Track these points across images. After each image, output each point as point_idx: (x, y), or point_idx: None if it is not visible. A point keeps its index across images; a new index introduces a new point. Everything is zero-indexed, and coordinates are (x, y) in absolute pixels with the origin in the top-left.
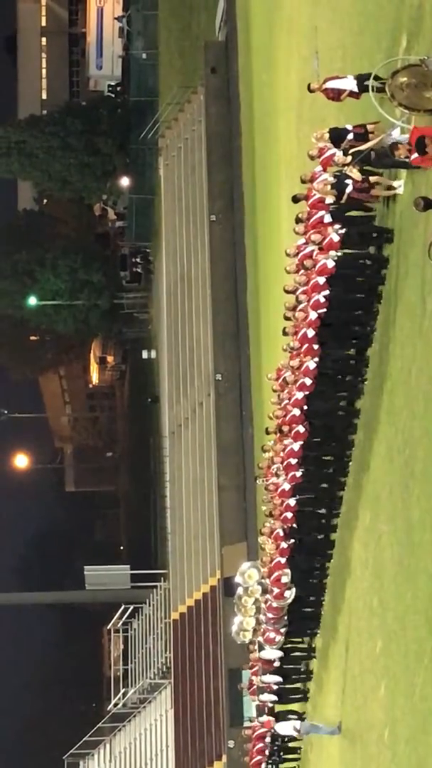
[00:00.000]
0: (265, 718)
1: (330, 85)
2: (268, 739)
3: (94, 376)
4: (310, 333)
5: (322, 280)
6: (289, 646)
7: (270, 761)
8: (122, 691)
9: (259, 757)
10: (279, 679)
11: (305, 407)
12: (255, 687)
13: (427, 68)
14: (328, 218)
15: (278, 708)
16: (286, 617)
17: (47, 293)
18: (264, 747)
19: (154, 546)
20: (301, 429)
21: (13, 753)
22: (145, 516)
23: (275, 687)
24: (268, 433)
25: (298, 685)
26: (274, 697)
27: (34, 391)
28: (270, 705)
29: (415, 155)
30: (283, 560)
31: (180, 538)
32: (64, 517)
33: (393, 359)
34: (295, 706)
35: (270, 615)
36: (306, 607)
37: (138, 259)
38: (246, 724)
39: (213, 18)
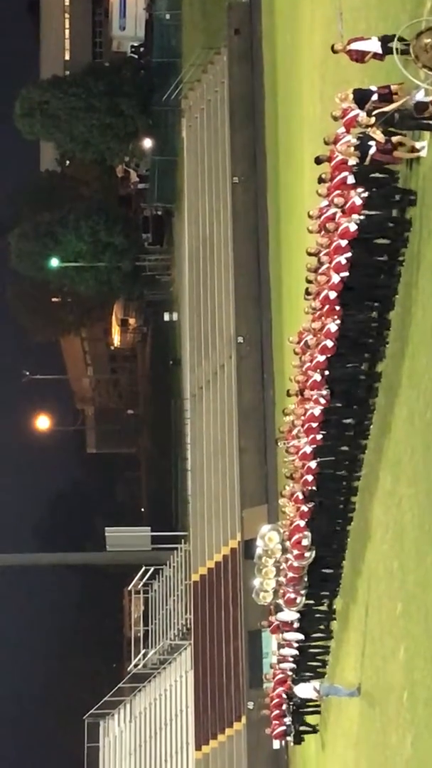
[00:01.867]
0: (286, 665)
1: (354, 46)
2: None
3: (116, 338)
4: (332, 295)
5: (344, 242)
6: (308, 608)
7: (290, 723)
8: (142, 652)
9: (278, 729)
10: (300, 636)
11: (326, 372)
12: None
13: None
14: (351, 179)
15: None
16: (306, 578)
17: (69, 255)
18: (282, 706)
19: (175, 508)
20: (322, 393)
21: (34, 713)
22: (166, 478)
23: (296, 644)
24: (289, 395)
25: (320, 642)
26: (295, 652)
27: (56, 353)
28: (289, 671)
29: None
30: (302, 523)
31: (201, 501)
32: (85, 478)
33: (415, 322)
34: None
35: (290, 574)
36: (326, 569)
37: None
38: (266, 673)
39: None
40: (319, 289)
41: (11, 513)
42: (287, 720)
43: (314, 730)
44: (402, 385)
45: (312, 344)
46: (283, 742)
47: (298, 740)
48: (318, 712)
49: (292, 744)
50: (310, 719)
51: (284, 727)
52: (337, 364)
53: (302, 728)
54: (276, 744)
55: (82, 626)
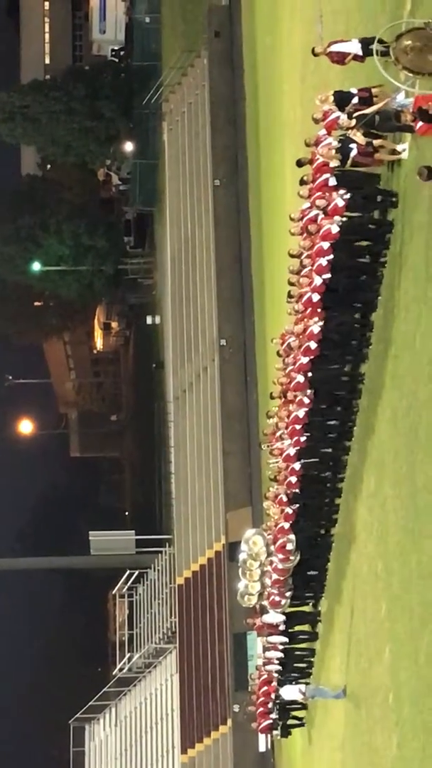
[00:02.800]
0: (272, 667)
1: (334, 48)
2: (270, 704)
3: (99, 342)
4: (315, 297)
5: (326, 244)
6: (293, 610)
7: (276, 718)
8: (127, 655)
9: (264, 723)
10: (285, 639)
11: (309, 373)
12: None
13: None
14: (332, 181)
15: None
16: (291, 581)
17: (51, 259)
18: (267, 711)
19: (159, 511)
20: (305, 395)
21: (19, 717)
22: (149, 481)
23: (281, 647)
24: (272, 398)
25: (304, 645)
26: (280, 655)
27: (39, 357)
28: (274, 674)
29: (421, 124)
30: (287, 525)
31: (185, 504)
32: (68, 482)
33: (397, 324)
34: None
35: (275, 577)
36: (311, 571)
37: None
38: (251, 674)
39: None
40: (301, 292)
41: None
42: (273, 716)
43: (302, 723)
44: (385, 386)
45: (295, 346)
46: (269, 742)
47: (286, 733)
48: (303, 722)
49: (279, 737)
50: (297, 713)
51: (270, 722)
52: (320, 365)
53: (289, 722)
54: (262, 746)
55: (67, 630)
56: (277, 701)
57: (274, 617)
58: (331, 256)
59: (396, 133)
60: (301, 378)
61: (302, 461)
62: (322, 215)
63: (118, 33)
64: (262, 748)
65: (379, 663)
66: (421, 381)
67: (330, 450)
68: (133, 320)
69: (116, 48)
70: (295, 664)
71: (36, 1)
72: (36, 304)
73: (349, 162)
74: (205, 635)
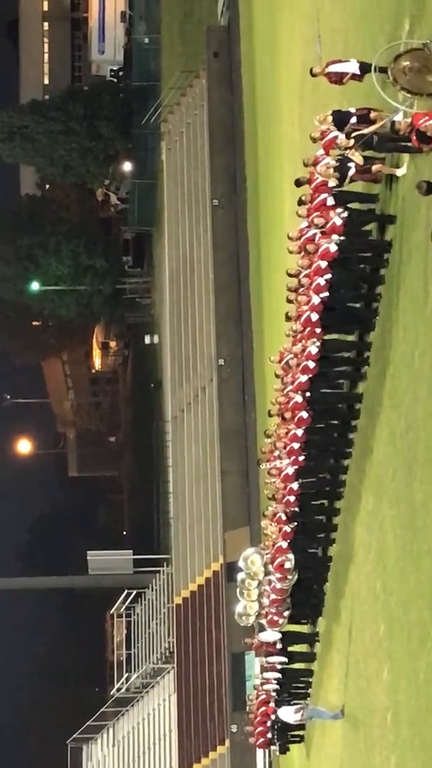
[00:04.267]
0: (269, 686)
1: (333, 68)
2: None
3: (97, 362)
4: (313, 317)
5: (324, 264)
6: (291, 629)
7: (275, 741)
8: (125, 675)
9: (262, 739)
10: (284, 659)
11: (308, 392)
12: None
13: (430, 52)
14: (330, 201)
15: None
16: (289, 600)
17: (50, 278)
18: (265, 730)
19: (157, 531)
20: (304, 414)
21: (17, 737)
22: (148, 501)
23: (279, 666)
24: (270, 416)
25: (302, 665)
26: (278, 675)
27: (37, 376)
28: (272, 693)
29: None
30: (285, 544)
31: (183, 523)
32: (66, 502)
33: (395, 343)
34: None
35: (274, 596)
36: (309, 590)
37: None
38: (249, 694)
39: (215, 2)
40: (299, 311)
41: None
42: (271, 736)
43: (301, 739)
44: (383, 405)
45: (293, 365)
46: (267, 763)
47: (284, 750)
48: (302, 738)
49: (277, 753)
50: (296, 732)
51: (268, 737)
52: (318, 384)
53: (288, 738)
54: (260, 766)
55: (65, 650)
56: (276, 723)
57: (272, 636)
58: (329, 276)
59: (394, 154)
60: (299, 397)
61: (300, 480)
62: (320, 234)
63: (117, 53)
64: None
65: (378, 683)
66: (419, 400)
67: (328, 469)
68: (132, 340)
69: (115, 68)
70: (293, 685)
71: (35, 22)
72: (34, 323)
73: (347, 181)
74: (203, 655)
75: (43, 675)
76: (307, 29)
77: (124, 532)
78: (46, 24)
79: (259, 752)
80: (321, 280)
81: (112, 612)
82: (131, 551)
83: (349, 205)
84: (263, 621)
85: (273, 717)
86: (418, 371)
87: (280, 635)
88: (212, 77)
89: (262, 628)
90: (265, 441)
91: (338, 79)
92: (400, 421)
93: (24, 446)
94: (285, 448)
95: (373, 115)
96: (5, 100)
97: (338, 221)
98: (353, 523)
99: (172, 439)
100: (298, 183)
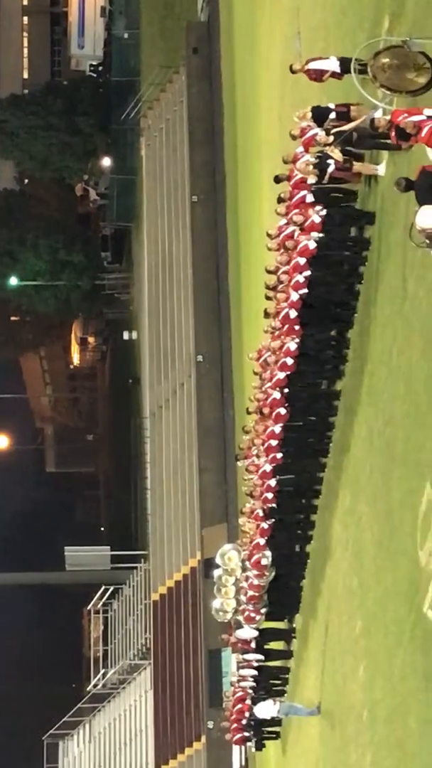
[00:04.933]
0: (246, 683)
1: (312, 65)
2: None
3: (75, 357)
4: (292, 314)
5: (303, 260)
6: (268, 626)
7: (250, 734)
8: (102, 671)
9: (238, 735)
10: (260, 656)
11: (286, 389)
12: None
13: (409, 49)
14: (310, 198)
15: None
16: (266, 597)
17: (28, 273)
18: (241, 726)
19: (135, 527)
20: (282, 411)
21: None
22: (125, 497)
23: (255, 664)
24: (249, 413)
25: (279, 662)
26: (255, 672)
27: (15, 371)
28: (249, 690)
29: (425, 129)
30: (262, 541)
31: (160, 520)
32: (44, 497)
33: (374, 341)
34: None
35: (251, 593)
36: (286, 587)
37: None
38: (225, 691)
39: None
40: (278, 308)
41: None
42: (247, 733)
43: (277, 735)
44: (361, 403)
45: (272, 362)
46: (243, 759)
47: (260, 746)
48: (278, 734)
49: (253, 750)
50: (272, 729)
51: (244, 734)
52: (296, 381)
53: (264, 735)
54: (236, 763)
55: (41, 646)
56: (252, 719)
57: (248, 633)
58: (308, 272)
59: (373, 152)
60: (277, 394)
61: (278, 477)
62: (299, 231)
63: (96, 48)
64: (236, 764)
65: (354, 680)
66: (397, 398)
67: (306, 466)
68: (110, 335)
69: (95, 63)
70: (270, 682)
71: (15, 16)
72: (12, 318)
73: (326, 178)
74: (180, 651)
75: (19, 671)
76: (286, 26)
77: (102, 528)
78: (25, 18)
79: (235, 748)
80: (300, 277)
81: (89, 608)
82: (109, 547)
83: (327, 203)
84: (240, 617)
85: (249, 714)
86: (395, 369)
87: (257, 633)
88: (192, 73)
89: (239, 625)
90: (243, 437)
91: (318, 76)
92: (377, 419)
93: (1, 442)
94: (263, 444)
95: (352, 112)
96: None
97: (317, 218)
98: (330, 520)
99: (150, 435)
100: (278, 180)
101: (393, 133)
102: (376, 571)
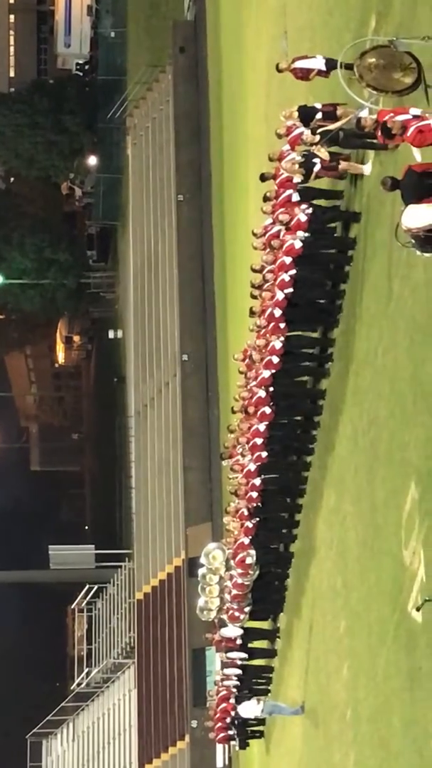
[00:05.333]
0: (230, 683)
1: (299, 64)
2: (229, 720)
3: (60, 356)
4: (277, 312)
5: (288, 259)
6: (252, 625)
7: (234, 733)
8: (86, 670)
9: (222, 734)
10: (244, 655)
11: (271, 388)
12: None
13: (396, 49)
14: (295, 197)
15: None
16: (250, 596)
17: (14, 272)
18: (225, 725)
19: (119, 526)
20: (267, 410)
21: None
22: (110, 496)
23: (239, 663)
24: (234, 412)
25: (263, 661)
26: (239, 671)
27: (0, 370)
28: (233, 689)
29: (411, 128)
30: (247, 540)
31: (145, 519)
32: (28, 496)
33: (359, 340)
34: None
35: (235, 592)
36: (270, 586)
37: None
38: (209, 690)
39: None
40: (263, 307)
41: None
42: (231, 732)
43: (261, 734)
44: (346, 402)
45: (257, 360)
46: (227, 758)
47: (243, 745)
48: (262, 733)
49: (237, 749)
50: (256, 728)
51: (228, 733)
52: (281, 380)
53: (248, 734)
54: (220, 762)
55: (25, 644)
56: (235, 719)
57: (233, 631)
58: (294, 271)
59: (359, 151)
60: (262, 392)
61: (263, 476)
62: (284, 230)
63: (83, 47)
64: (219, 763)
65: (338, 679)
66: (382, 398)
67: (290, 465)
68: (95, 334)
69: (81, 62)
70: (254, 680)
71: (1, 14)
72: None
73: (312, 177)
74: (164, 650)
75: (2, 669)
76: (273, 25)
77: (86, 527)
78: (12, 16)
79: (219, 747)
80: (285, 276)
81: (73, 607)
82: (93, 546)
83: (313, 202)
84: (224, 616)
85: (233, 713)
86: (380, 369)
87: (241, 631)
88: (178, 72)
89: (223, 624)
90: (228, 436)
91: (304, 75)
92: (362, 419)
93: None
94: (248, 443)
95: (338, 111)
96: None
97: (303, 217)
98: (315, 519)
99: (135, 434)
100: (263, 178)
101: (379, 133)
102: (361, 570)
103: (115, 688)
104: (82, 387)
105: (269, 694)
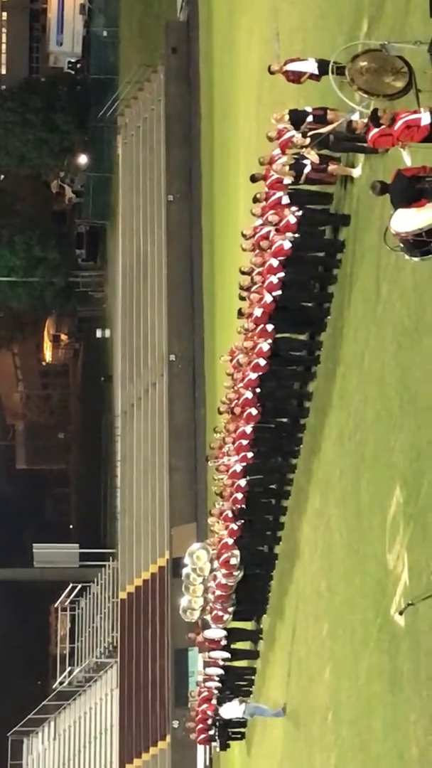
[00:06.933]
0: (212, 683)
1: (290, 67)
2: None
3: (48, 354)
4: (265, 315)
5: (277, 262)
6: (235, 626)
7: (215, 734)
8: (68, 669)
9: (203, 735)
10: (226, 655)
11: (258, 389)
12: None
13: (387, 53)
14: (285, 199)
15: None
16: (234, 597)
17: (2, 269)
18: (206, 726)
19: (104, 525)
20: (253, 411)
21: None
22: (95, 495)
23: (221, 663)
24: (220, 412)
25: (245, 662)
26: (221, 671)
27: None
28: (214, 690)
29: (373, 132)
30: (231, 541)
31: (130, 518)
32: (14, 494)
33: (346, 343)
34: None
35: (218, 592)
36: (254, 587)
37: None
38: (192, 689)
39: None
40: (252, 309)
41: None
42: (212, 732)
43: (242, 736)
44: (332, 405)
45: (244, 362)
46: (208, 759)
47: (224, 746)
48: (243, 734)
49: (218, 750)
50: (237, 730)
51: (209, 734)
52: (268, 382)
53: (229, 735)
54: (200, 763)
55: (8, 643)
56: (217, 719)
57: (216, 633)
58: (282, 274)
59: (349, 155)
60: (249, 394)
61: (248, 478)
62: (274, 232)
63: (75, 45)
64: (200, 764)
65: (320, 682)
66: (368, 401)
67: (276, 467)
68: (83, 333)
69: (73, 60)
70: (236, 682)
71: None
72: None
73: (302, 179)
74: (147, 650)
75: None
76: (265, 27)
77: (71, 526)
78: (4, 14)
79: (200, 748)
80: (274, 278)
81: (56, 605)
82: (77, 545)
83: (303, 204)
84: (208, 617)
85: (214, 714)
86: (367, 372)
87: (225, 633)
88: (170, 72)
89: (206, 624)
90: (215, 437)
91: (296, 77)
92: (348, 422)
93: None
94: (233, 444)
95: (329, 115)
96: None
97: (292, 219)
98: (300, 521)
99: (121, 433)
100: (254, 179)
101: (370, 130)
102: (344, 573)
103: (97, 687)
104: (69, 386)
105: (251, 696)
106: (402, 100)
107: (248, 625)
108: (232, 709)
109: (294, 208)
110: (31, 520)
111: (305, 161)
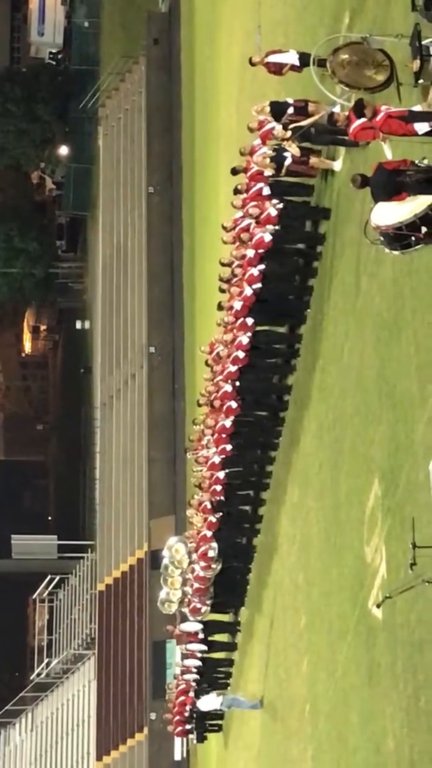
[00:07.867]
0: (190, 676)
1: (272, 59)
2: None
3: (27, 345)
4: (245, 307)
5: (255, 253)
6: (213, 618)
7: (192, 727)
8: (46, 661)
9: (180, 728)
10: (204, 647)
11: (237, 382)
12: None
13: (369, 46)
14: (266, 191)
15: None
16: (212, 589)
17: None
18: (184, 719)
19: (83, 517)
20: (233, 404)
21: None
22: (74, 487)
23: (199, 655)
24: (199, 405)
25: (223, 654)
26: (199, 663)
27: None
28: (192, 682)
29: (355, 124)
30: (209, 533)
31: (108, 510)
32: None
33: (326, 337)
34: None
35: (197, 585)
36: (232, 580)
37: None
38: (170, 682)
39: None
40: (231, 301)
41: None
42: (189, 726)
43: (219, 728)
44: (312, 398)
45: (224, 355)
46: (185, 751)
47: (201, 739)
48: (221, 727)
49: (195, 742)
50: (214, 722)
51: (187, 726)
52: (248, 375)
53: (206, 727)
54: (178, 755)
55: None
56: (194, 712)
57: (193, 626)
58: (263, 266)
59: (330, 147)
60: (229, 387)
61: (227, 470)
62: (254, 224)
63: (56, 36)
64: (177, 756)
65: (297, 674)
66: (347, 394)
67: (255, 459)
68: (63, 324)
69: (54, 51)
70: (213, 674)
71: None
72: None
73: (283, 171)
74: (125, 642)
75: None
76: (247, 19)
77: (49, 517)
78: None
79: (177, 740)
80: (254, 271)
81: (34, 597)
82: (56, 536)
83: (284, 197)
84: (186, 609)
85: (192, 706)
86: (347, 365)
87: (201, 626)
88: (151, 64)
89: (184, 617)
90: (194, 428)
91: (277, 69)
92: (327, 415)
93: None
94: (213, 436)
95: (311, 107)
96: None
97: (273, 212)
98: (278, 514)
99: (100, 425)
100: (235, 171)
101: (352, 122)
102: (322, 566)
103: (75, 679)
104: (49, 377)
105: (229, 688)
106: (382, 94)
107: (226, 617)
108: (209, 702)
109: (275, 201)
110: (10, 512)
111: (286, 153)
